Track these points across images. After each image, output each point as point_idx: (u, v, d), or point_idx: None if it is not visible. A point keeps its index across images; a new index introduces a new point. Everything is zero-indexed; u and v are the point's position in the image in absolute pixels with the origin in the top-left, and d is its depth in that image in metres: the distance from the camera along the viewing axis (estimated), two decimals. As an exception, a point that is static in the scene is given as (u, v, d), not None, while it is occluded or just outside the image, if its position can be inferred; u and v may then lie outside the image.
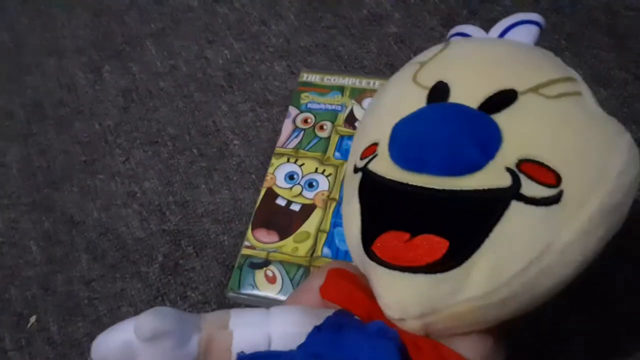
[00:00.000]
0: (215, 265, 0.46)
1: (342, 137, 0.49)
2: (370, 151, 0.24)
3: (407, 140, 0.21)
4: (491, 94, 0.21)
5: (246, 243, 0.45)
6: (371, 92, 0.51)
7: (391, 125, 0.23)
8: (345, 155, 0.48)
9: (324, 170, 0.48)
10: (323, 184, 0.47)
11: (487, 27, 0.29)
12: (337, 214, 0.45)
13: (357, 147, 0.27)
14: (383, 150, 0.23)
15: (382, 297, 0.22)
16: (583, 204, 0.19)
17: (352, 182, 0.25)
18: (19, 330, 0.46)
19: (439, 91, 0.22)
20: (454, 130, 0.20)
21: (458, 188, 0.20)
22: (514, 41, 0.25)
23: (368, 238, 0.23)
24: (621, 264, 0.36)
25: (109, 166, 0.53)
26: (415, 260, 0.20)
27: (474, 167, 0.19)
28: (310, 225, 0.45)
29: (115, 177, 0.52)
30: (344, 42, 0.56)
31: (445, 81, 0.23)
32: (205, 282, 0.46)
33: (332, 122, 0.50)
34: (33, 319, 0.46)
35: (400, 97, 0.25)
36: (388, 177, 0.22)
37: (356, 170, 0.25)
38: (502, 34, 0.26)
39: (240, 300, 0.44)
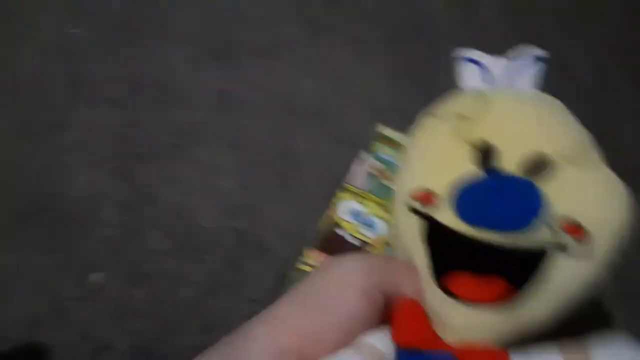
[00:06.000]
0: (271, 271, 0.52)
1: (404, 192, 0.56)
2: (425, 198, 0.28)
3: (476, 208, 0.26)
4: (530, 160, 0.26)
5: (304, 260, 0.51)
6: (436, 160, 0.58)
7: (447, 179, 0.27)
8: (404, 208, 0.55)
9: (383, 216, 0.54)
10: (381, 228, 0.54)
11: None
12: (388, 257, 0.52)
13: (405, 187, 0.29)
14: (444, 203, 0.27)
15: (454, 326, 0.27)
16: (604, 249, 0.27)
17: (411, 222, 0.28)
18: (81, 283, 0.50)
19: (486, 154, 0.27)
20: (516, 202, 0.26)
21: (518, 243, 0.26)
22: (539, 96, 0.29)
23: (439, 275, 0.27)
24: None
25: (194, 156, 0.58)
26: (484, 297, 0.26)
27: (529, 228, 0.26)
28: (363, 260, 0.52)
29: (197, 168, 0.58)
30: (419, 109, 0.64)
31: (489, 143, 0.27)
32: (259, 284, 0.51)
33: (399, 176, 0.57)
34: (97, 276, 0.51)
35: (447, 151, 0.28)
36: (456, 229, 0.27)
37: (414, 212, 0.28)
38: (514, 70, 0.32)
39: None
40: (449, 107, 0.31)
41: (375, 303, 0.28)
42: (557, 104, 0.30)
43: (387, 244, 0.53)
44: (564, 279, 0.26)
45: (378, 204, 0.55)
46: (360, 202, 0.55)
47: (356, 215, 0.54)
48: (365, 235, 0.53)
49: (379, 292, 0.29)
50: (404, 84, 0.66)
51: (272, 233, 0.54)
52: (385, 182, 0.56)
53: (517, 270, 0.26)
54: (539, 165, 0.26)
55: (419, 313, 0.28)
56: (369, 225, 0.54)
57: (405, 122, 0.63)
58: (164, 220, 0.54)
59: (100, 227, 0.53)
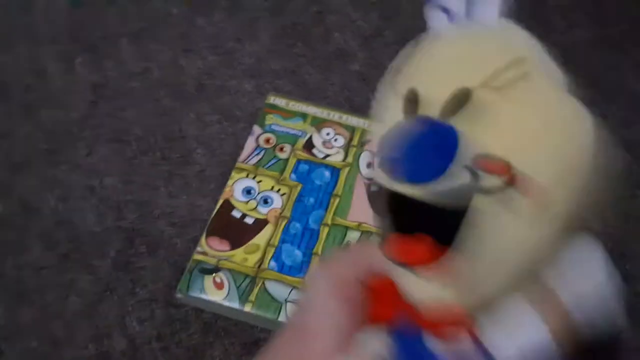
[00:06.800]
0: (166, 266, 0.49)
1: (299, 161, 0.53)
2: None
3: (386, 156, 0.24)
4: (449, 98, 0.23)
5: (199, 249, 0.48)
6: (330, 123, 0.56)
7: (378, 135, 0.25)
8: (299, 177, 0.53)
9: (279, 189, 0.52)
10: (277, 201, 0.51)
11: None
12: (286, 231, 0.50)
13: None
14: (375, 160, 0.25)
15: (407, 294, 0.26)
16: (550, 197, 0.22)
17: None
18: (-38, 308, 0.47)
19: (410, 101, 0.25)
20: (420, 145, 0.23)
21: (440, 195, 0.23)
22: (490, 28, 0.26)
23: (382, 240, 0.26)
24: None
25: (72, 158, 0.55)
26: (410, 257, 0.24)
27: (440, 173, 0.23)
28: (260, 238, 0.49)
29: (77, 170, 0.54)
30: (310, 71, 0.61)
31: (414, 89, 0.25)
32: (155, 281, 0.48)
33: (292, 145, 0.54)
34: (-22, 299, 0.47)
35: (384, 107, 0.27)
36: (383, 185, 0.25)
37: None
38: None
39: (188, 302, 0.47)
40: (395, 61, 0.28)
41: (353, 296, 0.27)
42: (499, 26, 0.26)
43: (283, 217, 0.50)
44: (505, 234, 0.23)
45: (272, 177, 0.52)
46: (254, 178, 0.52)
47: (251, 192, 0.51)
48: (259, 212, 0.50)
49: (352, 285, 0.28)
50: (294, 48, 0.63)
51: (164, 226, 0.51)
52: (278, 154, 0.54)
53: (447, 226, 0.23)
54: (461, 100, 0.23)
55: (385, 288, 0.27)
56: (265, 201, 0.51)
57: (299, 87, 0.61)
58: (46, 231, 0.51)
59: (-23, 249, 0.50)
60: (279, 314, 0.46)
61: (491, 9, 0.26)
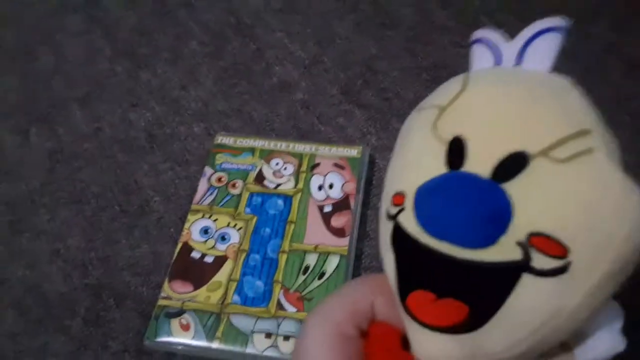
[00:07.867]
0: (135, 316, 0.50)
1: (252, 194, 0.55)
2: (398, 200, 0.25)
3: (429, 211, 0.23)
4: (503, 158, 0.22)
5: (163, 294, 0.50)
6: (278, 153, 0.58)
7: (414, 179, 0.24)
8: (254, 210, 0.54)
9: (235, 225, 0.54)
10: (234, 237, 0.53)
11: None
12: (246, 264, 0.51)
13: (387, 190, 0.27)
14: (408, 206, 0.24)
15: (414, 348, 0.25)
16: (590, 271, 0.21)
17: (386, 229, 0.26)
18: (-59, 388, 0.48)
19: (456, 151, 0.23)
20: (471, 208, 0.22)
21: (476, 259, 0.22)
22: (536, 75, 0.24)
23: (402, 291, 0.25)
24: None
25: (34, 225, 0.56)
26: (440, 321, 0.23)
27: (489, 241, 0.21)
28: (222, 275, 0.51)
29: (40, 236, 0.56)
30: (256, 107, 0.63)
31: (461, 137, 0.23)
32: (125, 332, 0.50)
33: (243, 180, 0.56)
34: (-45, 376, 0.48)
35: (421, 148, 0.25)
36: (415, 236, 0.23)
37: (389, 216, 0.26)
38: (524, 46, 0.25)
39: (157, 348, 0.48)
40: (432, 97, 0.27)
41: (353, 351, 0.27)
42: (559, 86, 0.24)
43: (242, 250, 0.52)
44: (533, 304, 0.21)
45: (227, 214, 0.54)
46: (210, 218, 0.54)
47: (208, 232, 0.53)
48: (218, 250, 0.52)
49: (351, 337, 0.27)
50: (237, 87, 0.65)
51: (129, 277, 0.53)
52: (231, 191, 0.56)
53: (479, 292, 0.22)
54: (517, 163, 0.22)
55: (387, 337, 0.27)
56: (222, 238, 0.53)
57: (246, 123, 0.63)
58: (16, 299, 0.52)
59: (-48, 328, 0.51)
60: (246, 345, 0.47)
61: (543, 59, 0.25)
